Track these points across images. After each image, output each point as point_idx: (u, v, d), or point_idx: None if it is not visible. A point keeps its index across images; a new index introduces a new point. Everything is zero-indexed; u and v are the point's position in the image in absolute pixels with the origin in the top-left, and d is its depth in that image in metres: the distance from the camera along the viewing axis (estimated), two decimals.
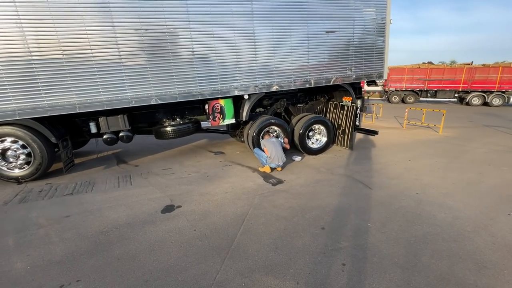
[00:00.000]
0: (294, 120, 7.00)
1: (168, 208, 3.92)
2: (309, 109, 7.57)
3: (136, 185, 4.86)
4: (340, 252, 2.92)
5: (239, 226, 3.44)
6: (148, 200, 4.21)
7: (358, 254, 2.90)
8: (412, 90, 20.68)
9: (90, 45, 4.55)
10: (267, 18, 5.56)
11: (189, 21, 5.02)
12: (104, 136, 5.40)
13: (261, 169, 5.60)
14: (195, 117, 6.50)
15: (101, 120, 5.27)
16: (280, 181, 5.01)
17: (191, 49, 5.15)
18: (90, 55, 4.58)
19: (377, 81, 7.39)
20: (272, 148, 5.37)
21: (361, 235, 3.24)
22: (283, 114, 7.22)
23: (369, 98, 23.32)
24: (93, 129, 5.47)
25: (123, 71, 4.84)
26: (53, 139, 4.88)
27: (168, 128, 5.84)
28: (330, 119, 7.59)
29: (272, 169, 5.52)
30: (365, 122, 12.67)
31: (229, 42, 5.39)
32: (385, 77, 7.24)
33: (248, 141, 6.42)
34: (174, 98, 5.25)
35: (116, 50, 4.73)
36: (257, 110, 7.32)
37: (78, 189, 4.66)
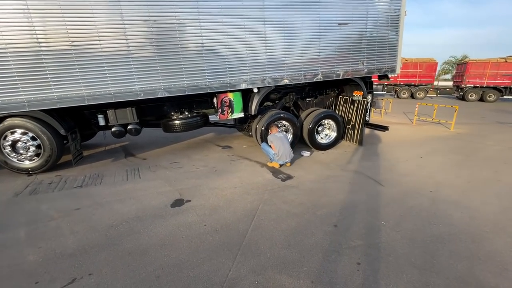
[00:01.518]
0: (303, 115, 6.88)
1: (178, 202, 3.89)
2: (318, 103, 7.42)
3: (144, 178, 4.84)
4: (354, 251, 2.85)
5: (249, 222, 3.39)
6: (157, 193, 4.18)
7: (372, 253, 2.83)
8: (495, 87, 18.98)
9: (98, 36, 4.47)
10: (279, 9, 5.40)
11: (199, 12, 4.90)
12: (113, 129, 5.37)
13: (269, 164, 5.52)
14: (203, 110, 6.43)
15: (110, 112, 5.23)
16: (289, 177, 4.93)
17: (200, 41, 5.04)
18: (99, 46, 4.51)
19: (389, 75, 7.19)
20: (279, 145, 5.27)
21: (375, 234, 3.17)
22: (292, 108, 7.10)
23: (438, 95, 22.60)
24: (102, 122, 5.45)
25: (131, 63, 4.77)
26: (62, 131, 4.87)
27: (177, 122, 5.79)
28: (340, 114, 7.44)
29: (281, 165, 5.44)
30: (373, 117, 12.42)
31: (239, 34, 5.26)
32: (398, 71, 7.04)
33: (256, 136, 6.33)
34: (182, 91, 5.18)
35: (125, 41, 4.65)
36: (265, 104, 7.21)
37: (87, 182, 4.66)
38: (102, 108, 5.35)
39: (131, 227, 3.29)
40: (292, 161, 5.67)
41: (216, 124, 7.17)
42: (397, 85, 21.07)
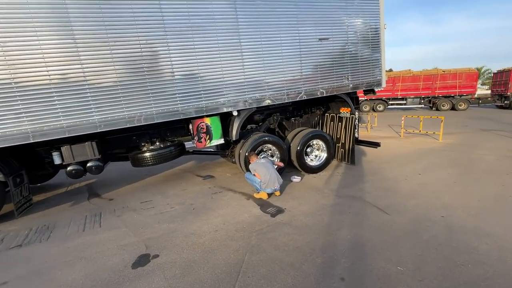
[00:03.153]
0: (289, 136, 6.34)
1: (142, 260, 3.07)
2: (304, 122, 6.94)
3: (106, 226, 3.99)
4: None
5: (233, 283, 2.63)
6: (117, 248, 3.35)
7: None
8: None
9: (45, 61, 3.81)
10: (254, 26, 5.00)
11: (165, 31, 4.38)
12: (68, 168, 4.55)
13: (256, 196, 4.83)
14: (179, 138, 5.75)
15: (64, 149, 4.45)
16: (280, 210, 4.24)
17: (169, 63, 4.48)
18: (45, 73, 3.83)
19: (374, 89, 6.89)
20: (264, 171, 4.63)
21: (395, 287, 2.49)
22: (277, 130, 6.56)
23: (479, 105, 21.68)
24: (57, 160, 4.62)
25: (88, 91, 4.09)
26: (0, 177, 4.01)
27: (147, 154, 5.06)
28: (328, 132, 6.98)
29: (270, 194, 4.76)
30: (361, 132, 12.18)
31: (212, 53, 4.76)
32: (384, 84, 6.76)
33: (240, 162, 5.67)
34: (151, 119, 4.51)
35: (79, 66, 4.00)
36: (248, 127, 6.65)
37: (31, 238, 3.75)
38: (57, 143, 4.56)
39: None
40: (281, 189, 5.01)
41: (195, 152, 6.47)
42: (435, 97, 20.17)
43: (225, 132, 5.46)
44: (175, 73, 4.54)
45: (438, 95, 20.01)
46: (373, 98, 20.98)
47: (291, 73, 5.52)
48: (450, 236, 3.23)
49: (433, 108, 20.62)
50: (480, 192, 4.60)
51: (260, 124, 6.45)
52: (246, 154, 5.38)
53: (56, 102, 3.95)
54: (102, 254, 3.23)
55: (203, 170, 6.96)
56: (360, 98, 21.37)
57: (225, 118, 5.49)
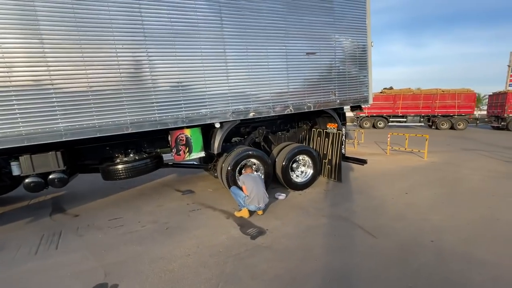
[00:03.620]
0: (275, 151, 6.10)
1: None
2: (291, 137, 6.75)
3: (63, 249, 3.52)
4: None
5: None
6: (70, 276, 2.90)
7: None
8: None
9: (5, 61, 3.44)
10: (240, 36, 4.84)
11: (145, 37, 4.13)
12: (26, 181, 4.07)
13: (237, 214, 4.49)
14: (157, 150, 5.39)
15: (23, 159, 3.99)
16: (261, 231, 3.91)
17: (147, 70, 4.20)
18: (5, 74, 3.46)
19: (362, 106, 6.84)
20: (252, 185, 4.34)
21: None
22: (262, 143, 6.32)
23: (477, 125, 22.12)
24: (16, 171, 4.13)
25: (53, 96, 3.72)
26: None
27: (119, 166, 4.65)
28: (314, 148, 6.81)
29: (252, 212, 4.43)
30: (348, 148, 12.16)
31: (195, 62, 4.53)
32: (371, 101, 6.72)
33: (222, 177, 5.35)
34: (125, 129, 4.15)
35: (45, 69, 3.65)
36: (234, 139, 6.38)
37: None
38: (18, 152, 4.10)
39: None
40: (265, 208, 4.71)
41: (175, 165, 6.09)
42: (435, 116, 20.40)
43: (207, 145, 5.16)
44: (154, 81, 4.25)
45: (438, 114, 20.23)
46: (374, 115, 21.34)
47: (278, 86, 5.35)
48: (441, 265, 3.00)
49: (433, 127, 20.83)
50: (468, 214, 4.45)
51: (245, 137, 6.20)
52: (229, 168, 5.08)
53: (15, 107, 3.55)
54: (50, 283, 2.78)
55: (183, 184, 6.56)
56: (361, 115, 21.84)
57: (208, 130, 5.20)
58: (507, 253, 3.21)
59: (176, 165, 6.09)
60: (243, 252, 3.33)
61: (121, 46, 3.99)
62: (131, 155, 4.86)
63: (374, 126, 21.89)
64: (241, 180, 4.52)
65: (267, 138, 6.46)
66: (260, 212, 4.51)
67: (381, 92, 21.90)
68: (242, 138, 6.26)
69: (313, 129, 6.98)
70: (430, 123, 21.00)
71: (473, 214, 4.43)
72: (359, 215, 4.44)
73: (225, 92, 4.83)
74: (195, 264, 3.08)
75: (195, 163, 7.52)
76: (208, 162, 6.23)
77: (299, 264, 3.04)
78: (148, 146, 5.28)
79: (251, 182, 4.35)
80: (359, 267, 2.97)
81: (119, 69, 4.02)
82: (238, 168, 5.18)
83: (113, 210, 4.86)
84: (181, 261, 3.14)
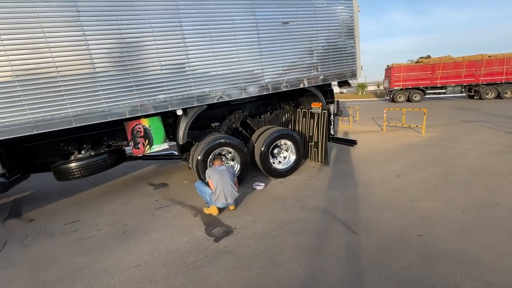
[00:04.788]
0: (254, 136, 5.56)
1: None
2: (272, 120, 6.17)
3: (1, 262, 3.12)
4: None
5: None
6: None
7: None
8: None
9: None
10: (198, 6, 4.12)
11: (78, 13, 3.45)
12: None
13: (206, 211, 4.05)
14: (119, 143, 4.87)
15: None
16: (228, 231, 3.48)
17: (86, 51, 3.57)
18: None
19: (349, 81, 6.17)
20: (218, 180, 3.86)
21: None
22: (240, 129, 5.76)
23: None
24: None
25: None
26: None
27: (72, 164, 4.17)
28: (300, 130, 6.25)
29: (221, 209, 3.99)
30: (342, 126, 11.58)
31: (145, 38, 3.88)
32: (359, 75, 6.04)
33: (193, 168, 4.87)
34: (67, 123, 3.61)
35: None
36: (214, 125, 5.84)
37: None
38: None
39: None
40: (240, 200, 4.28)
41: (144, 157, 5.60)
42: (478, 85, 18.55)
43: (172, 135, 4.63)
44: (95, 64, 3.63)
45: (482, 83, 18.50)
46: (409, 87, 19.66)
47: (249, 64, 4.70)
48: (426, 267, 2.56)
49: (475, 97, 19.12)
50: (463, 199, 3.97)
51: (220, 123, 5.65)
52: (199, 158, 4.59)
53: None
54: None
55: (160, 176, 6.11)
56: (394, 88, 20.51)
57: (176, 117, 4.64)
58: (505, 249, 2.75)
59: (147, 157, 5.60)
60: (200, 259, 2.91)
61: (49, 24, 3.34)
62: (86, 150, 4.35)
63: (409, 100, 20.29)
64: (207, 174, 4.03)
65: (246, 123, 5.89)
66: (232, 207, 4.07)
67: (417, 62, 20.16)
68: (220, 123, 5.70)
69: (298, 110, 6.38)
70: (472, 93, 19.23)
71: (469, 199, 3.94)
72: (341, 206, 3.98)
73: (185, 73, 4.20)
74: (142, 278, 2.67)
75: (174, 152, 7.06)
76: (185, 151, 5.75)
77: (260, 274, 2.62)
78: (109, 139, 4.77)
79: (217, 176, 3.86)
80: (329, 274, 2.54)
81: (50, 52, 3.39)
82: (210, 158, 4.69)
83: (74, 211, 4.44)
84: (126, 275, 2.73)
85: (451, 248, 2.82)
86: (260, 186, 4.93)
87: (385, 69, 22.23)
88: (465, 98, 20.21)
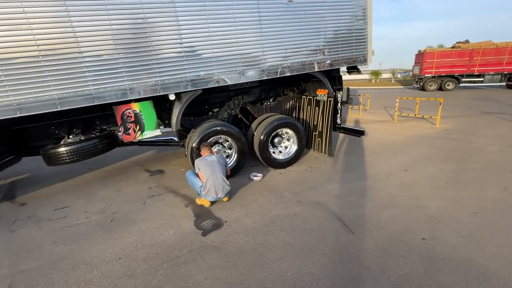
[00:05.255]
0: (254, 124, 5.28)
1: None
2: (274, 107, 5.85)
3: None
4: None
5: None
6: None
7: None
8: None
9: None
10: None
11: None
12: None
13: (197, 202, 3.88)
14: (112, 127, 4.70)
15: None
16: (218, 224, 3.31)
17: (69, 28, 3.30)
18: None
19: (359, 67, 5.72)
20: (208, 172, 3.64)
21: None
22: (239, 116, 5.48)
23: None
24: None
25: None
26: None
27: (61, 149, 4.03)
28: (305, 118, 5.92)
29: (212, 202, 3.80)
30: (352, 115, 11.10)
31: (135, 16, 3.58)
32: (370, 61, 5.57)
33: (188, 156, 4.68)
34: (52, 106, 3.42)
35: None
36: (214, 111, 5.57)
37: None
38: None
39: None
40: (234, 191, 4.10)
41: (141, 143, 5.43)
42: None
43: (165, 120, 4.41)
44: (80, 43, 3.38)
45: None
46: (442, 74, 18.22)
47: (248, 45, 4.34)
48: (428, 276, 2.30)
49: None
50: (476, 198, 3.63)
51: (219, 109, 5.38)
52: (193, 145, 4.38)
53: None
54: None
55: (157, 163, 5.98)
56: (426, 75, 18.61)
57: (166, 103, 4.41)
58: None
59: (143, 143, 5.43)
60: (184, 254, 2.75)
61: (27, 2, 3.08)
62: (76, 135, 4.20)
63: (441, 88, 18.82)
64: (196, 165, 3.81)
65: (246, 109, 5.60)
66: (225, 199, 3.88)
67: (453, 47, 18.61)
68: (220, 109, 5.43)
69: (303, 97, 6.02)
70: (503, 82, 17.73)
71: (483, 199, 3.60)
72: (341, 201, 3.72)
73: (178, 55, 3.91)
74: (121, 272, 2.54)
75: (174, 138, 6.87)
76: (183, 137, 5.55)
77: (245, 274, 2.43)
78: (102, 124, 4.60)
79: (207, 168, 3.64)
80: (318, 280, 2.32)
81: (31, 32, 3.16)
82: (201, 146, 4.45)
83: (66, 196, 4.37)
84: (105, 268, 2.60)
85: (459, 255, 2.54)
86: (257, 177, 4.71)
87: (416, 54, 20.53)
88: (504, 88, 18.71)
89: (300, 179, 4.61)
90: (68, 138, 4.15)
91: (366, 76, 43.75)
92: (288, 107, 6.47)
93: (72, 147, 4.05)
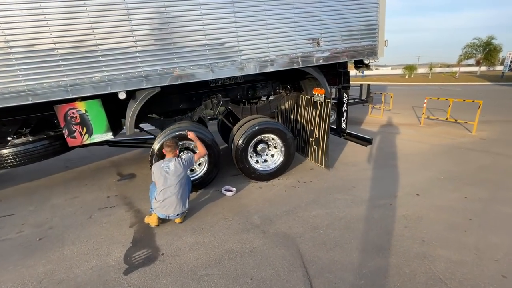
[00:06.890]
0: (235, 127, 4.54)
1: None
2: (262, 108, 5.02)
3: None
4: None
5: None
6: None
7: None
8: None
9: None
10: None
11: None
12: None
13: (146, 219, 3.25)
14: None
15: None
16: (151, 258, 2.65)
17: None
18: None
19: (367, 62, 4.65)
20: (161, 185, 3.00)
21: None
22: (219, 118, 4.75)
23: None
24: None
25: None
26: None
27: (5, 151, 3.62)
28: (302, 121, 5.07)
29: (161, 219, 3.16)
30: (372, 116, 9.82)
31: (71, 3, 2.98)
32: (381, 54, 4.48)
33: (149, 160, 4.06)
34: None
35: None
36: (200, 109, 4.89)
37: None
38: None
39: None
40: (194, 209, 3.43)
41: (111, 144, 4.94)
42: None
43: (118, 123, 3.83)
44: (6, 30, 2.86)
45: None
46: None
47: (218, 33, 3.56)
48: None
49: None
50: (507, 250, 2.57)
51: (194, 110, 4.69)
52: (156, 148, 3.76)
53: None
54: None
55: (134, 165, 5.50)
56: None
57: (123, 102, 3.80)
58: None
59: (114, 143, 4.94)
60: None
61: None
62: (24, 135, 3.77)
63: None
64: (152, 171, 3.16)
65: (229, 111, 4.85)
66: (178, 220, 3.22)
67: None
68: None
69: (301, 96, 5.13)
70: None
71: None
72: (317, 237, 2.87)
73: (128, 45, 3.25)
74: None
75: (140, 139, 6.21)
76: None
77: None
78: (55, 124, 4.14)
79: (160, 180, 2.99)
80: None
81: None
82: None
83: (20, 201, 4.02)
84: None
85: None
86: (230, 192, 3.97)
87: None
88: None
89: (280, 198, 3.80)
90: (17, 138, 3.72)
91: (399, 71, 40.47)
92: (286, 107, 5.62)
93: (16, 149, 3.62)
